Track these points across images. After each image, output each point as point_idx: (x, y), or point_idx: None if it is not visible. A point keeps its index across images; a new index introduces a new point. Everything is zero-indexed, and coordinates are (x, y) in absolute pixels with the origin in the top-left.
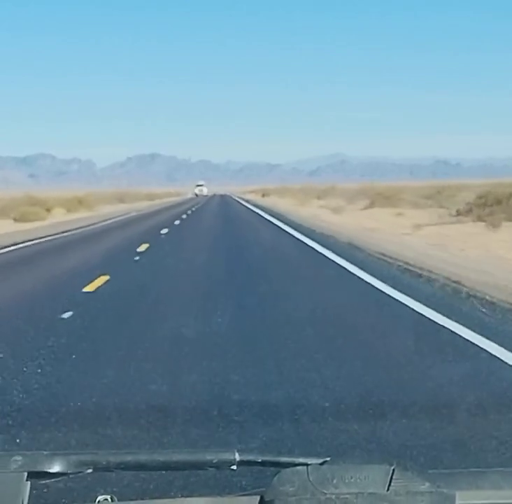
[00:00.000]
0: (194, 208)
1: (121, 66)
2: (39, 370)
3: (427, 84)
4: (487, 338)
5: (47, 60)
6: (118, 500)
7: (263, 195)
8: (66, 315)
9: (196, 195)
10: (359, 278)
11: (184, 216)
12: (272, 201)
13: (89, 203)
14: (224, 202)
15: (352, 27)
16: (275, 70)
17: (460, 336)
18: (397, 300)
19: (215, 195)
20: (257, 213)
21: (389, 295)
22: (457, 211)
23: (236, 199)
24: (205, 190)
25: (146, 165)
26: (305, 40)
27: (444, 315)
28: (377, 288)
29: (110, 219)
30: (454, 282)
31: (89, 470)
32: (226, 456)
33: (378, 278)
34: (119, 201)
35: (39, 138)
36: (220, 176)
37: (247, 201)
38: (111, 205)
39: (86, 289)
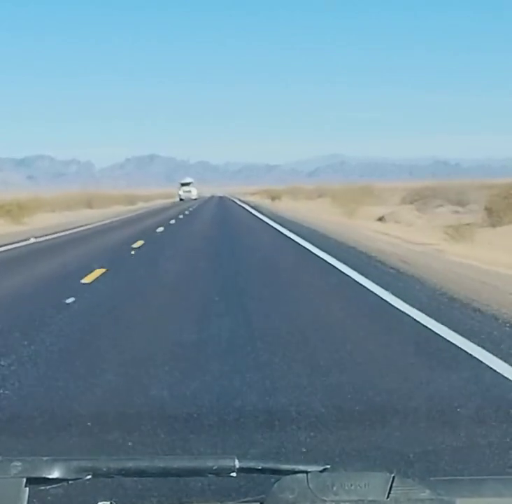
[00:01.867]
0: (165, 227)
1: (120, 67)
2: None
3: (427, 84)
4: None
5: (46, 60)
6: None
7: (273, 198)
8: None
9: (181, 200)
10: None
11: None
12: (293, 209)
13: (32, 208)
14: (223, 207)
15: (351, 27)
16: (274, 70)
17: None
18: None
19: (213, 197)
20: (297, 244)
21: None
22: None
23: (239, 203)
24: (194, 192)
25: (145, 166)
26: (304, 40)
27: None
28: None
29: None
30: None
31: (89, 476)
32: (226, 463)
33: None
34: (87, 205)
35: (37, 139)
36: (219, 177)
37: (255, 207)
38: (71, 211)
39: None
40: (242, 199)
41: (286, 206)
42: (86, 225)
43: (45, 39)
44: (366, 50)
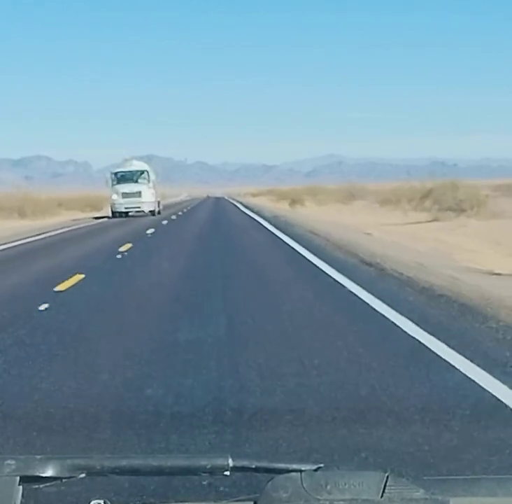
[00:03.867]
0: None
1: (117, 68)
2: None
3: (425, 84)
4: None
5: (43, 61)
6: None
7: (291, 203)
8: None
9: (118, 215)
10: None
11: None
12: (349, 226)
13: None
14: (221, 221)
15: (348, 27)
16: (270, 70)
17: None
18: None
19: (209, 198)
20: None
21: None
22: None
23: (246, 211)
24: (148, 197)
25: None
26: (301, 40)
27: None
28: None
29: None
30: None
31: (83, 475)
32: (219, 462)
33: None
34: (19, 214)
35: (35, 139)
36: (216, 177)
37: (276, 222)
38: None
39: None
40: (245, 202)
41: (329, 218)
42: None
43: (42, 39)
44: (363, 50)
